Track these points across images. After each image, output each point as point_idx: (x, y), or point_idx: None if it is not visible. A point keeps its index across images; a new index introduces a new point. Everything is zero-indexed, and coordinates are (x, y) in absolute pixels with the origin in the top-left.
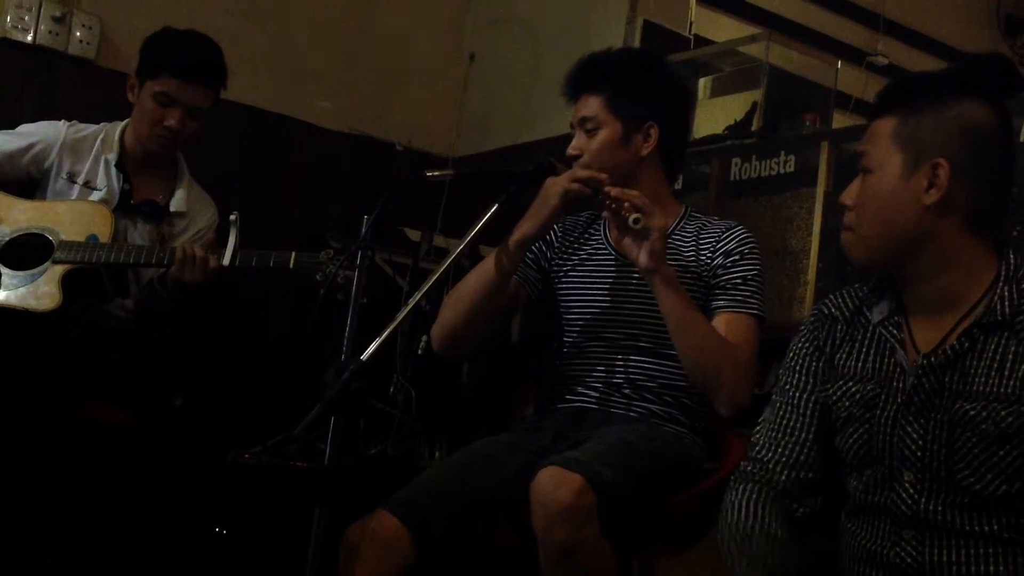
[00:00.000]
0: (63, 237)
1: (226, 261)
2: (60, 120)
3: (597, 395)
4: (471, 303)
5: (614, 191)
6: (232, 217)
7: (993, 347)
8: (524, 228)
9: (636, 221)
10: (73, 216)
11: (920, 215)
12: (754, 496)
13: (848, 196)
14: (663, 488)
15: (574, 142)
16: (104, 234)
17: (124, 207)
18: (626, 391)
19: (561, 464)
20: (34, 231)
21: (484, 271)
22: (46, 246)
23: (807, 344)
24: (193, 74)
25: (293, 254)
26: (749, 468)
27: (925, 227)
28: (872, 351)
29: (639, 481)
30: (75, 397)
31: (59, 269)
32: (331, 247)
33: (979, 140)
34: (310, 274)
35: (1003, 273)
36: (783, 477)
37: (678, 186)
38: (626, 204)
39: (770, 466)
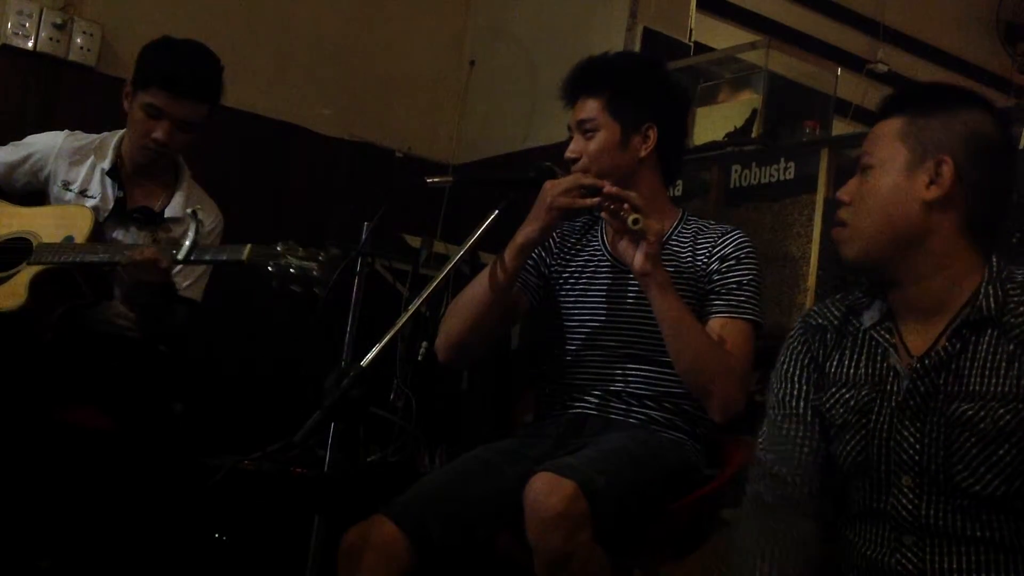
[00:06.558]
0: (43, 239)
1: (181, 256)
2: (64, 131)
3: (597, 401)
4: (475, 312)
5: (612, 189)
6: (189, 211)
7: (984, 347)
8: (525, 232)
9: (635, 222)
10: (56, 219)
11: (919, 211)
12: (768, 547)
13: (845, 192)
14: (661, 495)
15: (572, 145)
16: (81, 235)
17: (119, 214)
18: (626, 398)
19: (553, 470)
20: (19, 235)
21: (486, 279)
22: (28, 249)
23: (799, 354)
24: (183, 88)
25: (248, 247)
26: (763, 490)
27: (923, 224)
28: (864, 356)
29: (635, 488)
30: (47, 400)
31: (32, 270)
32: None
33: (982, 146)
34: (262, 266)
35: (987, 275)
36: (803, 489)
37: (678, 192)
38: (625, 205)
39: (787, 478)
